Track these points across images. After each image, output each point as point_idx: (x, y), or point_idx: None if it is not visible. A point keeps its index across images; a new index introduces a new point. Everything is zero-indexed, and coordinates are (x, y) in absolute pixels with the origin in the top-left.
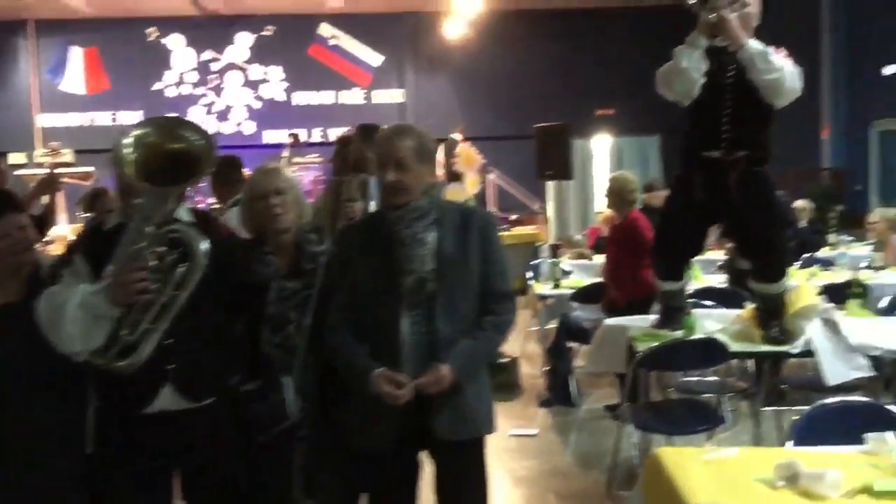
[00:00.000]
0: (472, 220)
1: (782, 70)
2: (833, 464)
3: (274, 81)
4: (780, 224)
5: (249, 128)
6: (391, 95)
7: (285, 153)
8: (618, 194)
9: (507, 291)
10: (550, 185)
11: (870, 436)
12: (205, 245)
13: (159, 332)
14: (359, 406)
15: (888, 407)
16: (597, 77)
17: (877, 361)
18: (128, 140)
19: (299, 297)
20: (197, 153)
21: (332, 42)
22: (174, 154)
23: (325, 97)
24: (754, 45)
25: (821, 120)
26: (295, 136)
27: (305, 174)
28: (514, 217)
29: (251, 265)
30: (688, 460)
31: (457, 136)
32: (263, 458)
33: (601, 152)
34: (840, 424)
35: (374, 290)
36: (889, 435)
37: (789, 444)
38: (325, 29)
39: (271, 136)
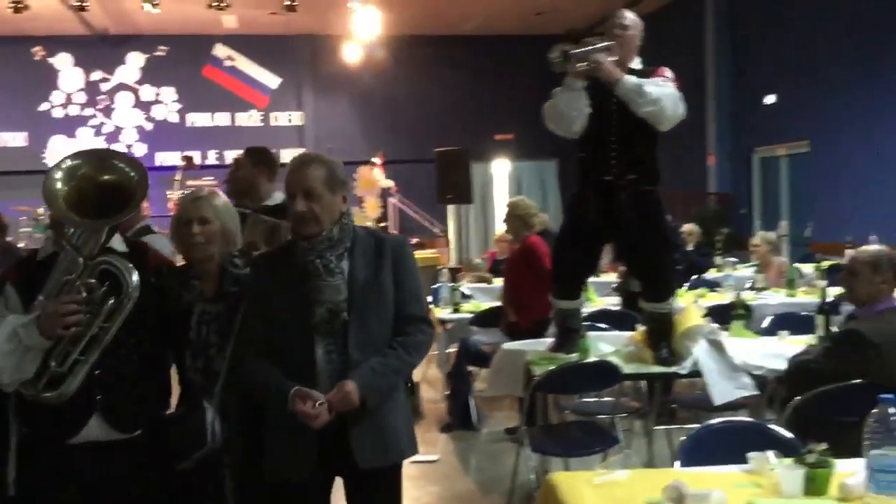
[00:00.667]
0: (385, 247)
1: (659, 101)
2: (717, 484)
3: (166, 102)
4: (667, 244)
5: (140, 150)
6: (290, 118)
7: (178, 176)
8: (516, 218)
9: (421, 315)
10: (451, 209)
11: (752, 455)
12: (135, 277)
13: (88, 364)
14: (277, 433)
15: (771, 426)
16: (495, 102)
17: (760, 380)
18: (59, 173)
19: (221, 321)
20: (129, 185)
21: (227, 63)
22: (106, 186)
23: (220, 119)
24: (628, 81)
25: (707, 146)
26: (188, 158)
27: None
28: (414, 240)
29: (181, 292)
30: (579, 484)
31: (377, 160)
32: (186, 486)
33: (501, 176)
34: (725, 444)
35: (287, 321)
36: (770, 454)
37: (677, 464)
38: (220, 50)
39: (164, 158)
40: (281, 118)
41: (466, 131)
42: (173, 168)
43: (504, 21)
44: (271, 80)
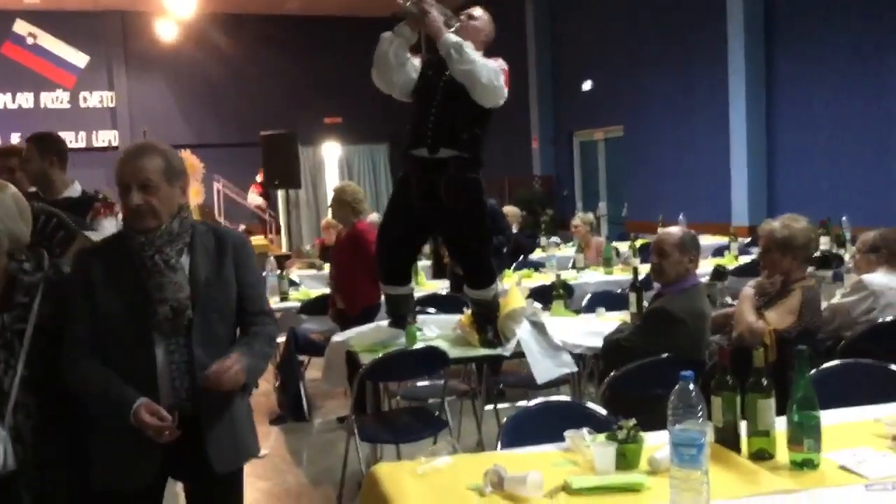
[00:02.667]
0: (226, 243)
1: (475, 63)
2: (536, 464)
3: None
4: (485, 234)
5: None
6: (100, 98)
7: None
8: (343, 204)
9: (265, 309)
10: (280, 195)
11: (568, 433)
12: None
13: None
14: (114, 440)
15: (588, 405)
16: (324, 85)
17: (579, 357)
18: None
19: (10, 334)
20: None
21: (29, 40)
22: None
23: (23, 100)
24: (451, 37)
25: (531, 131)
26: None
27: None
28: (242, 227)
29: None
30: (403, 475)
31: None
32: None
33: (331, 161)
34: (545, 424)
35: (123, 320)
36: (584, 431)
37: (499, 447)
38: (20, 26)
39: None
40: (91, 99)
41: (294, 115)
42: None
43: (329, 2)
44: (79, 59)
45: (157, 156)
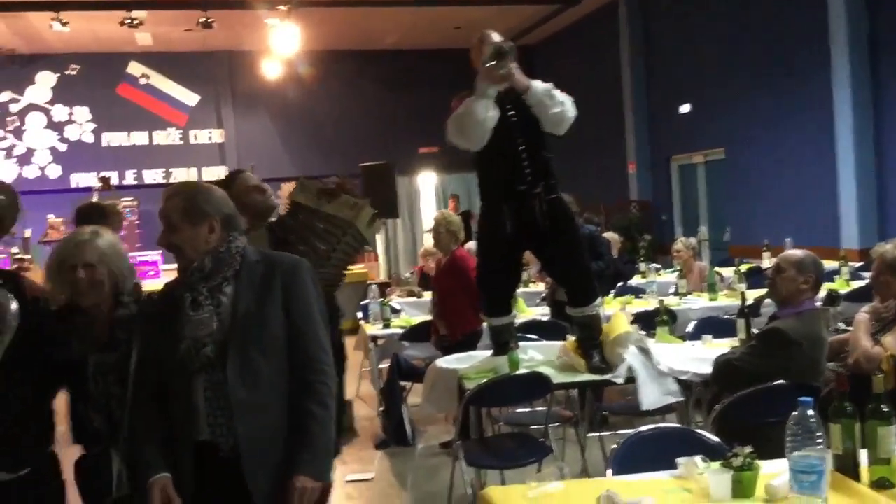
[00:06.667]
0: (274, 273)
1: (564, 102)
2: (649, 491)
3: (80, 122)
4: (581, 249)
5: (55, 171)
6: (209, 135)
7: (95, 197)
8: (445, 233)
9: (317, 355)
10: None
11: (681, 460)
12: (14, 305)
13: None
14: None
15: (698, 431)
16: (419, 116)
17: (686, 384)
18: None
19: (119, 371)
20: None
21: (142, 81)
22: None
23: (137, 138)
24: (539, 85)
25: (627, 156)
26: (105, 179)
27: None
28: None
29: (68, 339)
30: (514, 498)
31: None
32: None
33: (427, 189)
34: (655, 451)
35: (166, 356)
36: (698, 459)
37: (609, 473)
38: (134, 68)
39: (80, 180)
40: (201, 136)
41: (391, 145)
42: (89, 189)
43: (424, 35)
44: (189, 98)
45: (178, 197)
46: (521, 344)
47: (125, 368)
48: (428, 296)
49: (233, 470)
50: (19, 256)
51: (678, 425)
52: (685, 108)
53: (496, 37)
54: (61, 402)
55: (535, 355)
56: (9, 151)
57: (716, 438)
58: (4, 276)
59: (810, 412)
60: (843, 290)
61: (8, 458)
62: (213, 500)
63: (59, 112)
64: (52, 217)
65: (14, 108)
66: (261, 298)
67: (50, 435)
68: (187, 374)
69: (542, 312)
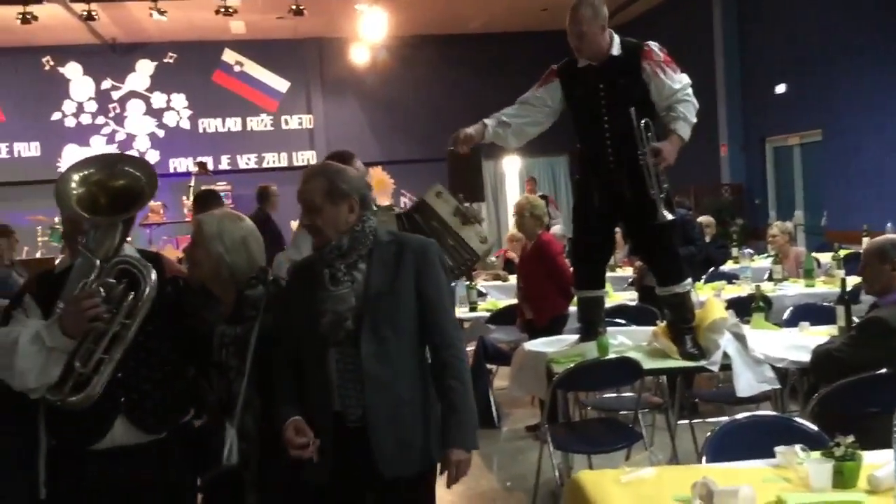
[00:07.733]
0: (405, 252)
1: (690, 118)
2: (746, 479)
3: (178, 109)
4: (668, 226)
5: (153, 157)
6: (300, 121)
7: (192, 182)
8: (530, 217)
9: (450, 332)
10: None
11: (779, 449)
12: (153, 275)
13: (113, 362)
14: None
15: (796, 419)
16: (504, 99)
17: (782, 372)
18: (70, 179)
19: (239, 344)
20: (138, 187)
21: (236, 68)
22: (116, 190)
23: (231, 124)
24: (684, 132)
25: (719, 138)
26: (202, 164)
27: None
28: None
29: (202, 312)
30: (607, 483)
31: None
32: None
33: (512, 173)
34: (751, 439)
35: (303, 331)
36: (797, 448)
37: (704, 460)
38: (228, 55)
39: (177, 165)
40: (291, 122)
41: None
42: (187, 174)
43: (510, 18)
44: (281, 84)
45: (320, 178)
46: (610, 329)
47: (245, 342)
48: (513, 279)
49: (357, 439)
50: None
51: (775, 413)
52: (780, 89)
53: (576, 21)
54: None
55: (625, 340)
56: (111, 137)
57: (815, 427)
58: (148, 256)
59: None
60: None
61: (147, 419)
62: (339, 466)
63: (158, 99)
64: (151, 201)
65: (115, 95)
66: (393, 277)
67: (187, 404)
68: (323, 347)
69: (629, 297)
